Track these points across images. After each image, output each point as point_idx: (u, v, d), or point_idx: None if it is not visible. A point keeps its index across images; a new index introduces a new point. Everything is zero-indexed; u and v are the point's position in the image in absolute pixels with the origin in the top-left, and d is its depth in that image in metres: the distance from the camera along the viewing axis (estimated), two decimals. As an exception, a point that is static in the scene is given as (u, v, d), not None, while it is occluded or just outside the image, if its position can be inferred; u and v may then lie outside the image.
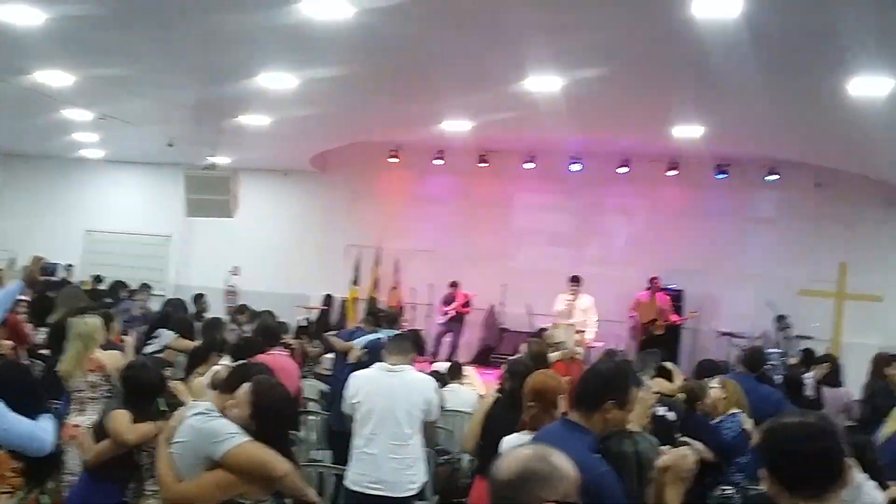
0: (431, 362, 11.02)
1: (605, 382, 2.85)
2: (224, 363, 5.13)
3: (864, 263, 12.47)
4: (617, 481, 2.59)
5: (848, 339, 11.78)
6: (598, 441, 2.76)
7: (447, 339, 13.33)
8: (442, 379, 7.01)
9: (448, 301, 13.31)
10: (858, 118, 8.49)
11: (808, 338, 11.81)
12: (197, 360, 5.48)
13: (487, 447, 4.67)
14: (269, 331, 5.62)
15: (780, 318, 12.06)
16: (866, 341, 11.21)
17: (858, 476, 3.39)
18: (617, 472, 2.61)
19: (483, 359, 13.39)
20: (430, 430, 4.80)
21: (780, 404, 6.02)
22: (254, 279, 14.36)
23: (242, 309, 9.71)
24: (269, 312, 7.46)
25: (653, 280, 12.61)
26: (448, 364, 8.66)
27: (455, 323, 13.30)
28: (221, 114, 10.58)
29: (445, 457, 6.14)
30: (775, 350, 10.57)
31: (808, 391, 7.02)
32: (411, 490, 4.60)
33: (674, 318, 12.49)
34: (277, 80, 8.49)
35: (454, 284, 13.30)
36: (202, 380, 4.94)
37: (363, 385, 4.78)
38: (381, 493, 4.53)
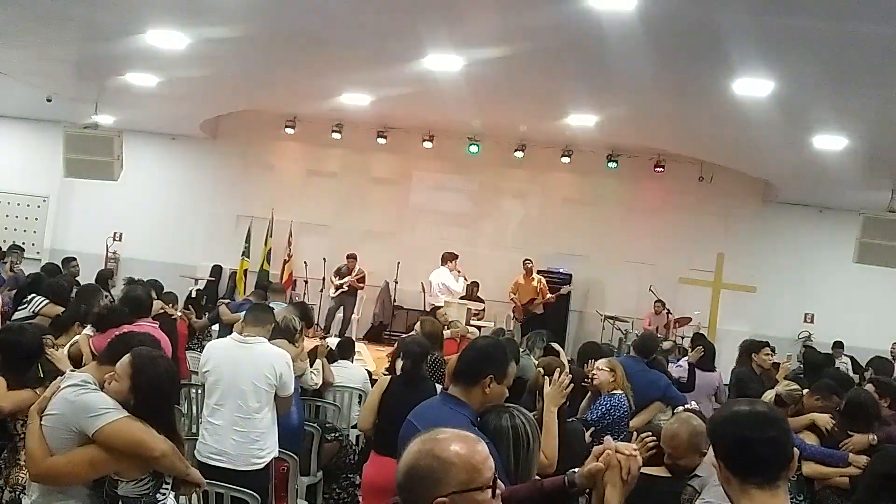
0: (323, 338, 10.93)
1: (484, 357, 2.89)
2: (87, 333, 4.90)
3: (740, 255, 13.20)
4: (493, 454, 2.62)
5: (722, 326, 12.43)
6: (477, 416, 2.79)
7: (339, 314, 13.23)
8: (332, 355, 6.94)
9: (342, 273, 13.19)
10: (741, 117, 8.91)
11: (688, 318, 12.46)
12: (59, 329, 5.19)
13: (385, 426, 4.70)
14: (135, 301, 5.36)
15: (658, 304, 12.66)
16: (739, 329, 11.90)
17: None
18: (494, 446, 2.65)
19: (375, 336, 13.38)
20: (282, 405, 4.72)
21: (666, 389, 6.31)
22: (137, 246, 13.78)
23: (110, 273, 9.33)
24: (151, 282, 7.16)
25: (525, 262, 12.97)
26: (338, 339, 8.59)
27: (348, 297, 13.22)
28: (106, 70, 10.00)
29: (334, 434, 6.09)
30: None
31: (681, 373, 7.36)
32: (257, 465, 4.52)
33: (549, 296, 12.87)
34: (167, 37, 8.07)
35: (352, 256, 13.19)
36: (62, 351, 4.69)
37: (213, 355, 4.71)
38: (223, 465, 4.44)
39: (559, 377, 3.74)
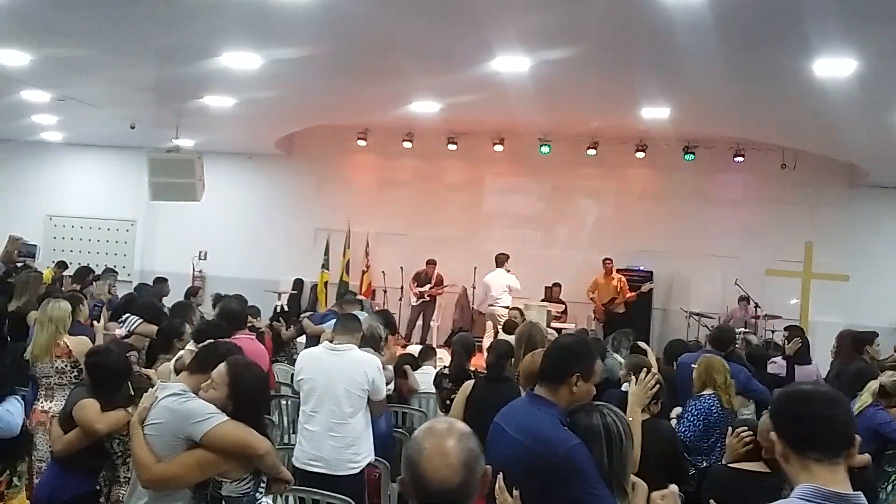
0: (405, 346, 11.02)
1: (569, 356, 2.85)
2: (189, 348, 5.06)
3: (830, 243, 12.67)
4: (587, 453, 2.60)
5: (815, 318, 11.97)
6: (566, 415, 2.75)
7: (420, 321, 13.32)
8: (414, 361, 6.98)
9: (421, 280, 13.26)
10: (822, 99, 8.57)
11: (777, 317, 12.02)
12: (158, 346, 5.38)
13: (472, 426, 4.69)
14: (232, 314, 5.52)
15: (743, 300, 12.25)
16: (832, 320, 11.41)
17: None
18: (586, 444, 2.62)
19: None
20: (376, 409, 4.79)
21: (748, 382, 6.09)
22: (221, 264, 14.20)
23: (196, 291, 9.68)
24: (236, 297, 7.36)
25: (605, 262, 12.75)
26: (420, 347, 8.65)
27: (428, 304, 13.28)
28: (184, 95, 10.36)
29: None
30: (742, 329, 10.72)
31: (776, 369, 7.11)
32: (353, 469, 4.59)
33: (630, 294, 12.62)
34: (241, 59, 8.32)
35: (431, 262, 13.25)
36: (168, 365, 4.86)
37: (308, 363, 4.81)
38: (321, 471, 4.53)
39: (645, 377, 3.70)
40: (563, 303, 12.71)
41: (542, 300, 12.15)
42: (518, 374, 4.55)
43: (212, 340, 4.10)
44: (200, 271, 14.16)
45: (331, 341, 4.94)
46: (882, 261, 12.86)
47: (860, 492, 1.92)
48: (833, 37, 6.63)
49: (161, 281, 10.72)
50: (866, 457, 4.41)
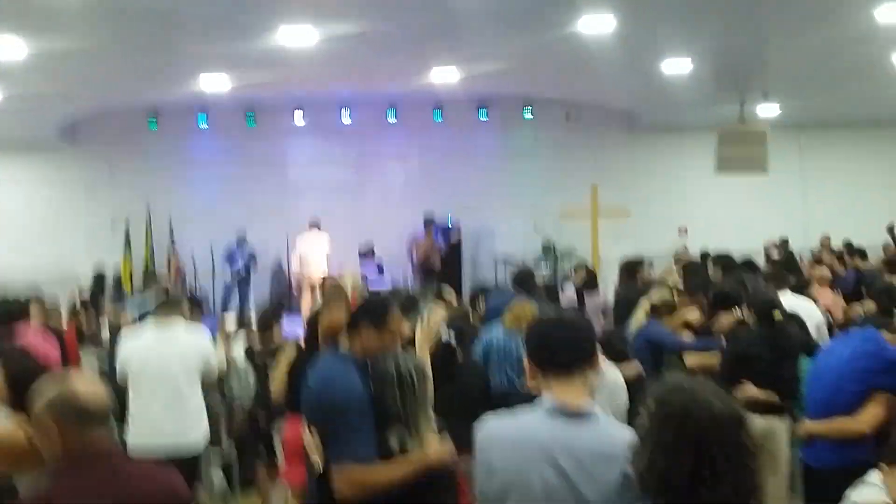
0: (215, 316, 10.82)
1: (361, 308, 3.13)
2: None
3: (613, 184, 13.82)
4: (362, 394, 2.88)
5: (605, 254, 13.05)
6: (363, 362, 3.00)
7: (235, 300, 13.11)
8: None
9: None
10: (591, 54, 9.35)
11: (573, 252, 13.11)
12: None
13: (297, 390, 4.85)
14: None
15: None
16: (619, 253, 12.49)
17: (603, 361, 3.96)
18: (381, 388, 2.92)
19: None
20: (209, 382, 4.88)
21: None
22: (11, 266, 13.15)
23: None
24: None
25: (427, 223, 13.19)
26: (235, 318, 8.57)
27: (241, 283, 13.13)
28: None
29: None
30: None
31: (566, 299, 7.79)
32: (195, 445, 4.69)
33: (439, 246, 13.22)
34: (3, 45, 7.72)
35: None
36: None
37: (135, 346, 4.79)
38: (163, 452, 4.54)
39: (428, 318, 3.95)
40: (378, 264, 13.02)
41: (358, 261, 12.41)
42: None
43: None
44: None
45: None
46: (658, 196, 14.31)
47: (592, 401, 2.18)
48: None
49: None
50: (634, 366, 4.93)
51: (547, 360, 2.22)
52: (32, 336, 4.92)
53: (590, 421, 2.12)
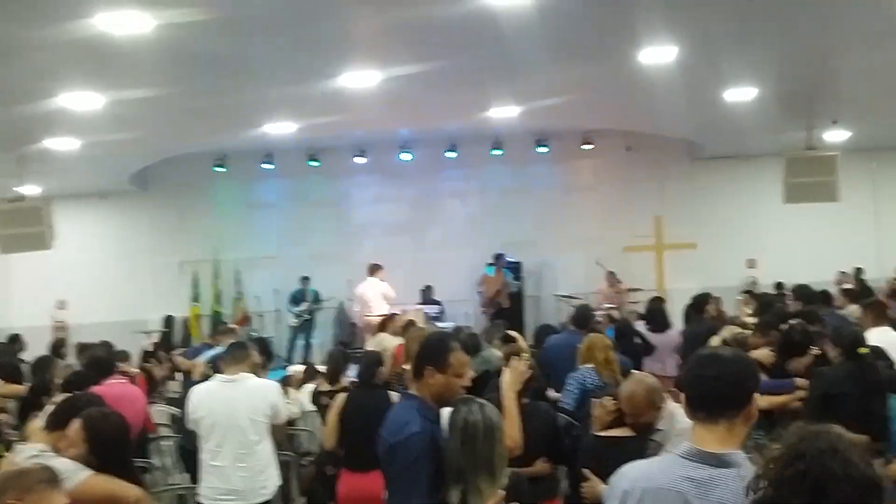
0: (285, 367, 10.91)
1: (422, 351, 3.06)
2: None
3: (677, 215, 13.57)
4: (428, 443, 2.79)
5: (671, 286, 12.78)
6: (431, 406, 2.93)
7: (300, 341, 13.23)
8: (300, 382, 6.99)
9: (297, 299, 13.23)
10: (652, 84, 9.22)
11: (638, 289, 12.76)
12: (28, 405, 5.16)
13: (351, 442, 4.82)
14: (99, 362, 5.37)
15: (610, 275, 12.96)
16: (687, 285, 12.22)
17: (671, 404, 3.80)
18: (449, 437, 2.83)
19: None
20: (279, 434, 4.82)
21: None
22: (86, 311, 13.55)
23: (62, 342, 9.25)
24: (101, 343, 7.11)
25: (498, 257, 13.13)
26: (303, 367, 8.62)
27: (305, 324, 13.24)
28: (21, 140, 9.85)
29: (308, 458, 6.15)
30: (608, 304, 11.33)
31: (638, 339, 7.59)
32: (264, 495, 4.61)
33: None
34: (81, 99, 8.02)
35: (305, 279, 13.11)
36: (38, 423, 4.67)
37: (203, 399, 4.74)
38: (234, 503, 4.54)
39: (516, 363, 3.94)
40: (438, 303, 12.96)
41: (419, 303, 12.34)
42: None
43: (68, 395, 3.99)
44: (61, 322, 13.46)
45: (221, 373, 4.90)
46: (725, 226, 13.94)
47: (737, 451, 1.98)
48: (653, 26, 7.17)
49: (14, 338, 10.16)
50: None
51: (692, 403, 2.08)
52: (119, 387, 4.98)
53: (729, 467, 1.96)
